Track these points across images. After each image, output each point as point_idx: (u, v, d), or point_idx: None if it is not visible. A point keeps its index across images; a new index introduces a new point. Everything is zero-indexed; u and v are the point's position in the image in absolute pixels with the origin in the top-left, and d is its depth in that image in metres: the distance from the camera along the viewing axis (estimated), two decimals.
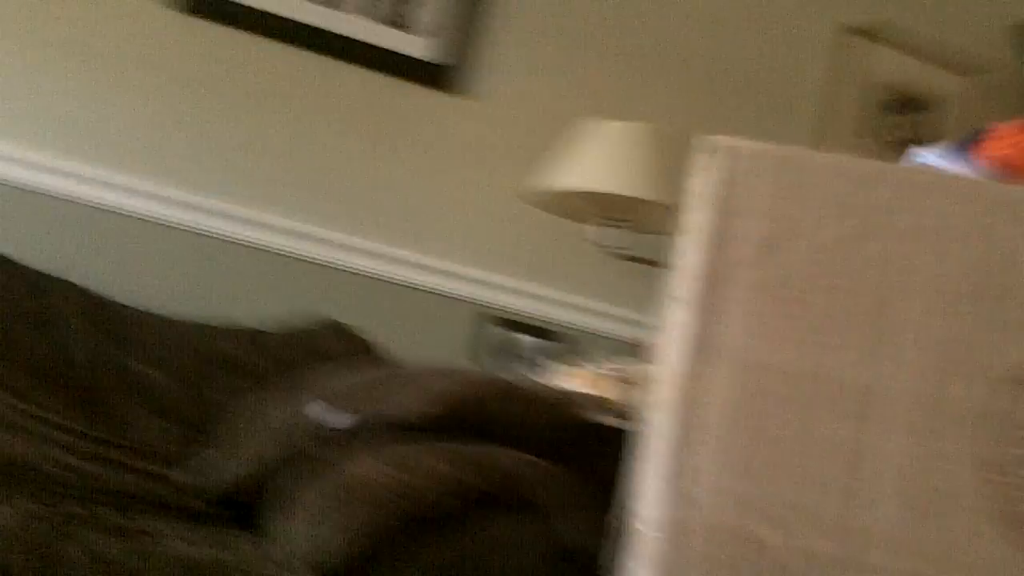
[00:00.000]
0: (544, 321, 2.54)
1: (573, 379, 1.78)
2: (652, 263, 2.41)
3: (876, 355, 0.51)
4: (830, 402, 0.51)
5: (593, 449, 1.25)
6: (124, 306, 2.19)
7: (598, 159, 2.28)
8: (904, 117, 2.86)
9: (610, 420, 1.33)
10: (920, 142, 0.68)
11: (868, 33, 2.83)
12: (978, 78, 2.89)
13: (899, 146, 2.22)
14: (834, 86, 2.82)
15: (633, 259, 2.46)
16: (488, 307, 2.51)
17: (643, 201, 2.25)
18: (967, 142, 0.65)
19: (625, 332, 2.48)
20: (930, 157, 0.63)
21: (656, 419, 0.53)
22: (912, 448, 0.50)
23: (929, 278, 0.52)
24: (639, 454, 0.55)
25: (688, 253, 0.54)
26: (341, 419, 1.30)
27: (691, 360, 0.52)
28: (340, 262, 2.43)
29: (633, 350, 1.95)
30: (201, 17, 2.37)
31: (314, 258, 2.41)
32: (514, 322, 2.53)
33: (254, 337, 2.24)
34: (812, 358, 0.52)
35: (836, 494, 0.50)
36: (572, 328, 2.54)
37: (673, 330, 0.53)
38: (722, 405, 0.51)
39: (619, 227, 2.45)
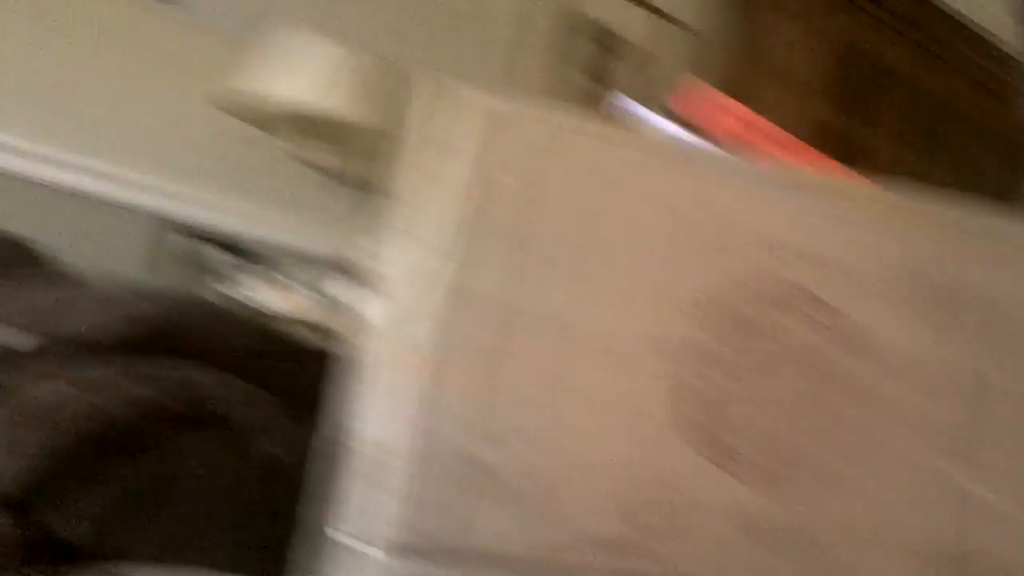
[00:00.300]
0: (238, 236, 2.47)
1: (270, 297, 1.76)
2: (352, 183, 2.41)
3: (595, 295, 0.57)
4: (556, 336, 0.56)
5: (295, 368, 1.26)
6: None
7: (297, 73, 2.23)
8: (606, 55, 3.01)
9: (311, 339, 1.33)
10: (616, 84, 0.74)
11: None
12: (683, 31, 3.09)
13: (596, 82, 2.35)
14: (531, 8, 2.90)
15: (333, 177, 2.44)
16: (170, 217, 2.40)
17: (338, 119, 2.22)
18: (668, 97, 0.72)
19: (322, 249, 2.47)
20: (634, 106, 0.70)
21: (381, 344, 0.56)
22: (616, 374, 0.56)
23: (636, 221, 0.58)
24: (357, 375, 0.57)
25: (437, 196, 0.56)
26: (23, 340, 1.21)
27: (439, 300, 0.55)
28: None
29: (330, 269, 1.95)
30: None
31: None
32: (205, 236, 2.44)
33: None
34: (538, 294, 0.56)
35: (547, 415, 0.55)
36: (269, 244, 2.49)
37: (412, 270, 0.56)
38: (462, 345, 0.55)
39: (319, 144, 2.42)
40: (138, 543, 1.14)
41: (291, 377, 1.29)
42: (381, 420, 0.55)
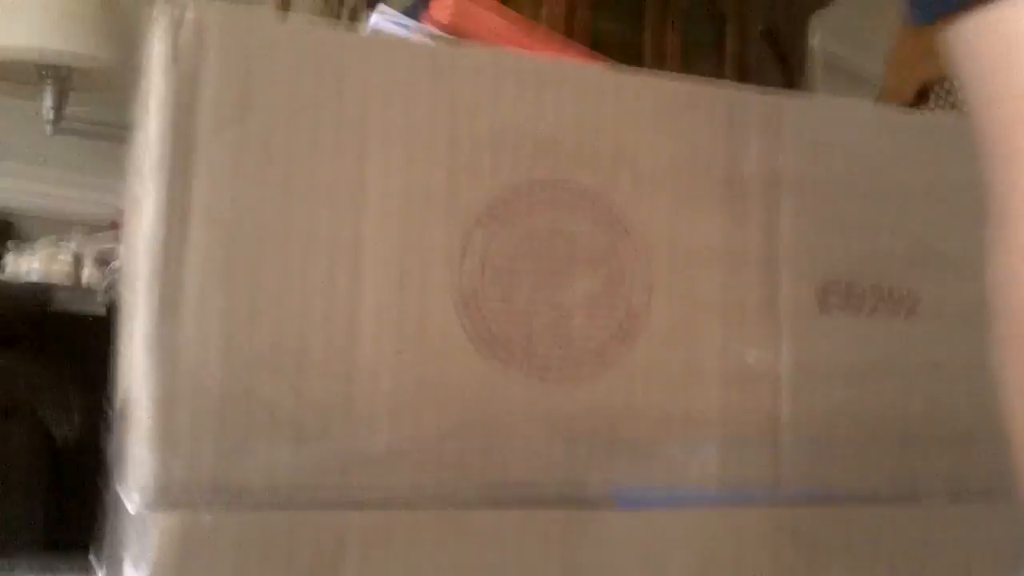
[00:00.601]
0: (6, 208, 2.27)
1: (39, 265, 1.64)
2: (110, 132, 2.25)
3: (349, 204, 0.54)
4: (308, 253, 0.53)
5: (74, 336, 1.19)
6: None
7: (19, 18, 2.02)
8: None
9: (88, 304, 1.26)
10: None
11: None
12: None
13: None
14: None
15: (89, 129, 2.27)
16: None
17: (72, 61, 2.04)
18: (418, 7, 0.71)
19: (91, 209, 2.31)
20: (384, 22, 0.68)
21: (135, 292, 0.52)
22: (388, 288, 0.54)
23: (402, 132, 0.57)
24: (122, 330, 0.54)
25: (152, 120, 0.53)
26: None
27: (165, 226, 0.52)
28: None
29: (99, 228, 1.83)
30: None
31: None
32: None
33: None
34: (288, 213, 0.54)
35: (322, 338, 0.53)
36: (29, 210, 2.30)
37: (144, 200, 0.52)
38: (201, 268, 0.51)
39: (69, 92, 2.23)
40: None
41: (71, 345, 1.22)
42: (132, 367, 0.52)
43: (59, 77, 2.12)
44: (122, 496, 0.53)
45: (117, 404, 0.59)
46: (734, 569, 0.61)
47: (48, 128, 2.18)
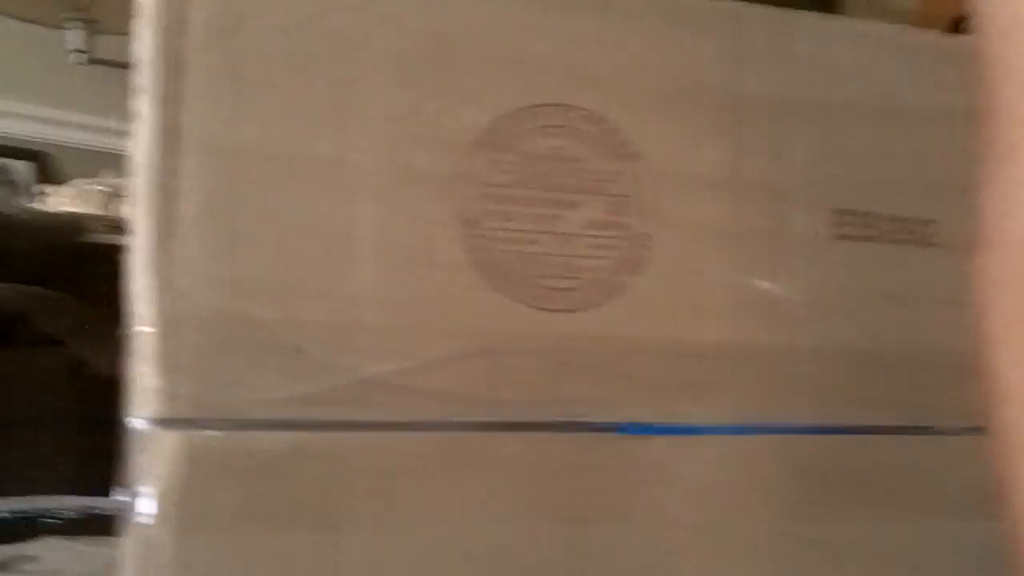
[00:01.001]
0: (23, 140, 2.30)
1: (62, 199, 1.66)
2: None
3: (345, 129, 0.54)
4: (305, 178, 0.53)
5: (96, 268, 1.20)
6: None
7: None
8: None
9: (109, 237, 1.27)
10: None
11: None
12: None
13: None
14: None
15: (110, 63, 2.28)
16: None
17: None
18: None
19: (108, 143, 2.32)
20: None
21: (135, 215, 0.53)
22: (388, 214, 0.54)
23: (390, 53, 0.56)
24: (130, 255, 0.54)
25: (144, 42, 0.52)
26: None
27: (159, 151, 0.52)
28: None
29: (119, 161, 1.83)
30: None
31: None
32: (5, 151, 2.25)
33: None
34: (281, 137, 0.54)
35: (320, 265, 0.53)
36: (57, 144, 2.33)
37: (140, 123, 0.52)
38: (198, 193, 0.52)
39: (93, 29, 2.24)
40: None
41: (93, 277, 1.23)
42: (138, 292, 0.53)
43: (82, 8, 2.13)
44: (134, 420, 0.54)
45: (129, 331, 0.60)
46: (739, 500, 0.61)
47: (77, 59, 2.20)
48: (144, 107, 0.52)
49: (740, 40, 0.62)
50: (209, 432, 0.51)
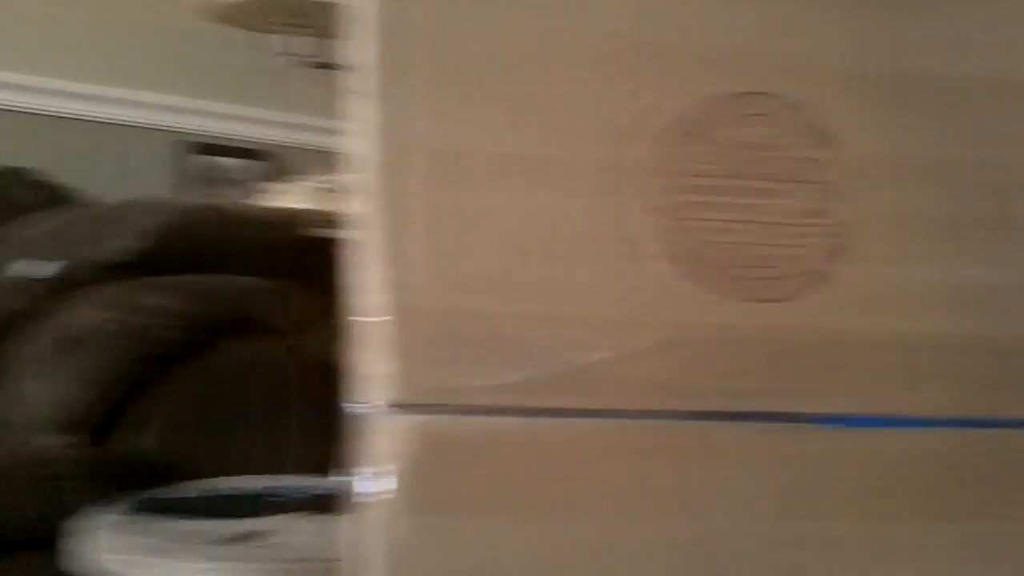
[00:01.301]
0: (246, 141, 2.46)
1: (285, 196, 1.76)
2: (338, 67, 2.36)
3: (553, 126, 0.55)
4: (520, 176, 0.55)
5: (316, 262, 1.27)
6: None
7: None
8: None
9: (328, 231, 1.34)
10: None
11: None
12: None
13: None
14: None
15: (321, 65, 2.40)
16: (185, 134, 2.39)
17: (315, 2, 2.15)
18: None
19: (327, 142, 2.44)
20: None
21: (365, 213, 0.56)
22: (597, 207, 0.55)
23: (589, 48, 0.56)
24: (358, 251, 0.58)
25: (363, 46, 0.56)
26: (46, 268, 1.24)
27: (383, 152, 0.55)
28: (9, 103, 2.21)
29: (336, 159, 1.92)
30: None
31: None
32: (216, 146, 2.43)
33: None
34: (495, 137, 0.56)
35: (536, 259, 0.55)
36: (276, 144, 2.48)
37: (362, 126, 0.56)
38: (422, 193, 0.55)
39: (302, 33, 2.36)
40: (203, 455, 1.19)
41: (315, 270, 1.31)
42: (368, 284, 0.56)
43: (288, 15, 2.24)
44: (363, 406, 0.58)
45: (353, 320, 0.63)
46: (949, 494, 0.59)
47: (291, 62, 2.32)
48: (366, 109, 0.55)
49: (953, 20, 0.59)
50: (439, 416, 0.54)
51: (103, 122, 2.30)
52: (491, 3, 0.56)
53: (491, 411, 0.55)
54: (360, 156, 0.56)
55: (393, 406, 0.54)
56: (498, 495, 0.55)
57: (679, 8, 0.58)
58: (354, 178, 0.57)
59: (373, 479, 0.55)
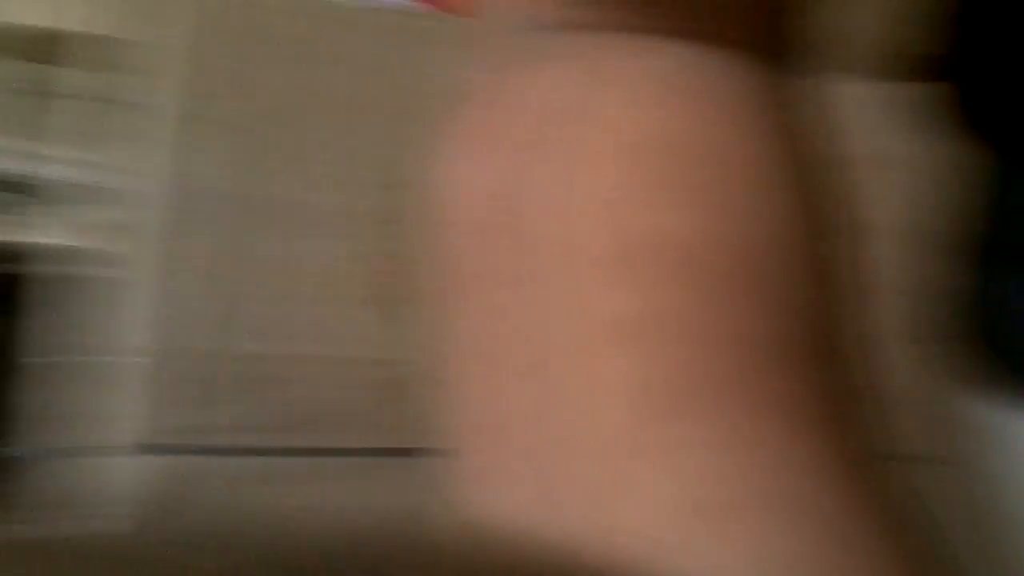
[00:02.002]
0: (15, 174, 2.30)
1: (44, 231, 1.66)
2: (94, 99, 2.27)
3: (304, 175, 0.58)
4: (273, 221, 0.57)
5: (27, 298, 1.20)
6: None
7: None
8: None
9: (51, 267, 1.26)
10: None
11: None
12: None
13: None
14: None
15: (70, 96, 2.28)
16: None
17: (77, 32, 2.06)
18: None
19: (76, 175, 2.32)
20: None
21: (137, 255, 0.56)
22: (327, 252, 0.57)
23: (343, 102, 0.59)
24: (116, 288, 0.57)
25: (163, 97, 0.56)
26: None
27: (171, 195, 0.56)
28: None
29: (91, 194, 1.84)
30: None
31: None
32: None
33: None
34: (254, 182, 0.57)
35: (281, 300, 0.57)
36: (20, 177, 2.33)
37: (148, 171, 0.56)
38: (199, 235, 0.55)
39: (48, 64, 2.25)
40: None
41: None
42: (122, 325, 0.55)
43: (57, 50, 2.14)
44: (89, 444, 0.56)
45: (82, 355, 0.60)
46: None
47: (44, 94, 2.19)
48: (149, 152, 0.55)
49: None
50: (185, 457, 0.54)
51: None
52: (279, 56, 0.57)
53: (236, 451, 0.55)
54: (140, 196, 0.56)
55: (137, 446, 0.53)
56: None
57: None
58: (126, 216, 0.56)
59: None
